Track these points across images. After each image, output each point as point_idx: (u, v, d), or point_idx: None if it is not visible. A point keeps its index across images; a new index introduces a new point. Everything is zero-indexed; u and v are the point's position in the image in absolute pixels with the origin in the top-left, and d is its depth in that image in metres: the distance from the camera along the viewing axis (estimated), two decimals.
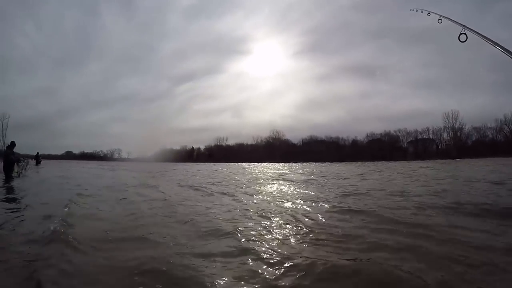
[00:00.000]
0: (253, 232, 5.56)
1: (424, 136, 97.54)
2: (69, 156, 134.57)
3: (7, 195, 10.69)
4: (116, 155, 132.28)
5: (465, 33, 5.10)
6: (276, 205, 8.82)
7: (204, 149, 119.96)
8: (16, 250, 4.37)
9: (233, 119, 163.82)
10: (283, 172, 28.66)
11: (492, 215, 6.53)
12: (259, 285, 3.36)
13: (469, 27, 5.14)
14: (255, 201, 9.63)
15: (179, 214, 7.49)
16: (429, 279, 3.33)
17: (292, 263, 3.90)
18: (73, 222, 6.14)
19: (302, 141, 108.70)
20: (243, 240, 5.02)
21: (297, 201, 9.35)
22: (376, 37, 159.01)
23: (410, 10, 8.83)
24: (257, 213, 7.56)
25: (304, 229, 5.82)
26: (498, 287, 3.23)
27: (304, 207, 8.37)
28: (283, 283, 3.39)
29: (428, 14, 7.30)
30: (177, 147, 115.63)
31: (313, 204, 8.84)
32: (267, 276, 3.56)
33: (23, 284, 3.24)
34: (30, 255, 4.10)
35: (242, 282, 3.43)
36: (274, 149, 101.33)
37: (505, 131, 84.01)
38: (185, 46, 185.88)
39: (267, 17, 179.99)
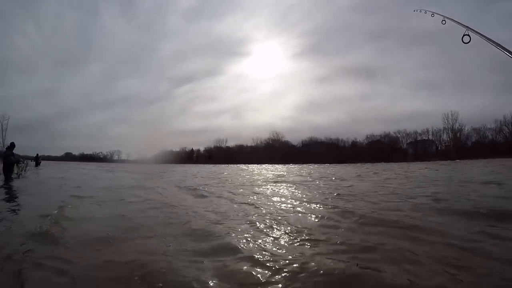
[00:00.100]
0: (245, 234, 5.65)
1: (424, 137, 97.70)
2: (68, 157, 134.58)
3: (5, 196, 10.83)
4: (115, 157, 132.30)
5: (468, 35, 5.12)
6: (270, 206, 8.88)
7: (203, 150, 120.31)
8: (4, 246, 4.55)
9: (232, 121, 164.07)
10: (280, 174, 28.78)
11: (483, 218, 6.53)
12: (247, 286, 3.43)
13: (473, 29, 5.17)
14: (250, 202, 9.63)
15: (172, 215, 7.57)
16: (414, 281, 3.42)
17: (280, 265, 3.97)
18: (64, 222, 6.30)
19: (302, 142, 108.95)
20: (233, 241, 5.10)
21: (290, 203, 9.44)
22: (376, 39, 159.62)
23: (414, 11, 8.90)
24: (251, 214, 7.63)
25: (294, 230, 5.91)
26: None
27: (297, 208, 8.46)
28: (273, 285, 3.45)
29: (432, 15, 7.33)
30: (176, 148, 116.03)
31: (306, 205, 8.95)
32: (255, 278, 3.62)
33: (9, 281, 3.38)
34: (17, 252, 4.26)
35: (230, 283, 3.48)
36: (274, 150, 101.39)
37: (504, 132, 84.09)
38: (185, 48, 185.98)
39: (267, 18, 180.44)
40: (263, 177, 24.35)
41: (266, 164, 77.22)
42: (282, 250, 4.64)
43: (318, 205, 8.73)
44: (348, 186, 14.73)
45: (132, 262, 4.02)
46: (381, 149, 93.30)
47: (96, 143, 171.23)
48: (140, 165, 63.36)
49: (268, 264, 3.98)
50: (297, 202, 9.47)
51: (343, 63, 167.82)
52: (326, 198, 10.32)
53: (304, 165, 64.79)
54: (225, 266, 3.98)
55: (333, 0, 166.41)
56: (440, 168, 33.28)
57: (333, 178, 21.11)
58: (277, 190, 13.84)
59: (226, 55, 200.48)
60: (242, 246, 4.78)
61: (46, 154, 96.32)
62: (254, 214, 7.60)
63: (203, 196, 11.68)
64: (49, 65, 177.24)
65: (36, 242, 4.76)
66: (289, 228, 6.07)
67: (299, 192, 12.72)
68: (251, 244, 4.92)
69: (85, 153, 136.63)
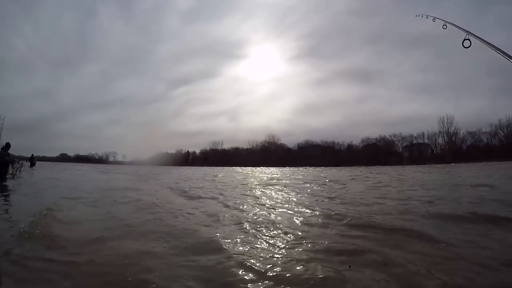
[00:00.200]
0: (231, 235, 5.75)
1: (419, 141, 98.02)
2: (64, 158, 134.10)
3: None
4: (111, 158, 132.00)
5: (469, 39, 5.19)
6: (258, 208, 9.01)
7: (199, 153, 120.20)
8: None
9: (229, 123, 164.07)
10: (274, 177, 28.84)
11: (469, 221, 6.58)
12: None
13: (473, 33, 5.23)
14: (238, 205, 9.76)
15: (160, 217, 7.63)
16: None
17: (262, 265, 4.07)
18: (51, 222, 6.38)
19: (298, 145, 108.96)
20: (219, 242, 5.18)
21: (278, 206, 9.55)
22: (373, 42, 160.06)
23: (416, 16, 8.99)
24: (238, 216, 7.72)
25: (279, 232, 6.01)
26: None
27: (284, 210, 8.59)
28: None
29: (434, 20, 7.43)
30: (172, 150, 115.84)
31: (293, 207, 9.04)
32: (238, 279, 3.70)
33: None
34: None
35: (213, 283, 3.57)
36: (270, 153, 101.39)
37: (499, 136, 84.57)
38: (182, 49, 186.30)
39: (264, 21, 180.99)
40: (256, 179, 24.41)
41: (262, 167, 77.13)
42: (266, 251, 4.70)
43: (305, 208, 8.79)
44: (340, 189, 14.85)
45: (115, 262, 4.10)
46: (377, 153, 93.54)
47: (91, 144, 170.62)
48: (136, 167, 63.22)
49: (251, 265, 4.05)
50: (286, 205, 9.56)
51: (340, 66, 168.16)
52: (316, 201, 10.44)
53: (300, 168, 64.58)
54: (210, 266, 4.06)
55: (331, 3, 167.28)
56: (435, 171, 33.43)
57: (327, 181, 21.19)
58: (268, 192, 13.92)
59: (223, 57, 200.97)
60: (227, 246, 4.86)
61: (41, 154, 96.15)
62: (241, 216, 7.67)
63: (193, 198, 11.76)
64: (47, 65, 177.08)
65: (17, 242, 4.85)
66: (274, 231, 6.14)
67: (289, 194, 12.81)
68: (236, 246, 4.99)
69: (81, 154, 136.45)
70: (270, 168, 70.89)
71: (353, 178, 24.15)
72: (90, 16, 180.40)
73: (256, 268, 3.97)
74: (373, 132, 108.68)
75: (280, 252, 4.69)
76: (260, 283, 3.55)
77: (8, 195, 11.22)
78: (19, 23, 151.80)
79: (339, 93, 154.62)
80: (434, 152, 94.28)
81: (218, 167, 77.34)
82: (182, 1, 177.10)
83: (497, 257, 4.19)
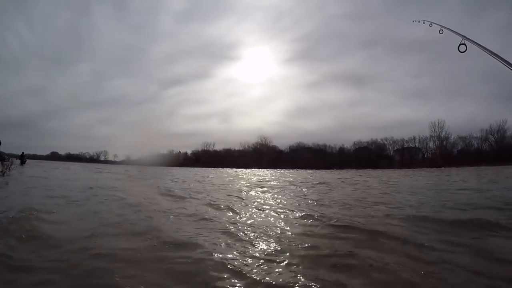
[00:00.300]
0: (212, 236, 5.85)
1: (411, 145, 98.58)
2: (54, 157, 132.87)
3: None
4: (102, 158, 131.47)
5: (464, 44, 5.22)
6: (242, 209, 9.08)
7: (191, 153, 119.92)
8: None
9: (221, 125, 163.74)
10: (264, 179, 28.89)
11: (452, 225, 6.60)
12: None
13: (469, 38, 5.28)
14: (223, 205, 9.77)
15: (140, 217, 7.63)
16: None
17: (239, 267, 4.10)
18: (32, 221, 6.38)
19: (290, 148, 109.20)
20: (198, 242, 5.26)
21: (263, 207, 9.65)
22: (367, 46, 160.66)
23: (413, 21, 9.14)
24: (221, 217, 7.83)
25: (259, 233, 6.04)
26: None
27: (267, 211, 8.68)
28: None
29: (430, 25, 7.52)
30: (164, 151, 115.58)
31: (277, 209, 9.13)
32: (214, 277, 3.76)
33: None
34: None
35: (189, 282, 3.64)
36: (261, 155, 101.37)
37: (490, 141, 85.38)
38: (175, 50, 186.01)
39: (258, 23, 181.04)
40: (245, 181, 24.48)
41: (253, 169, 77.20)
42: (244, 251, 4.78)
43: (287, 210, 8.88)
44: (325, 192, 15.00)
45: (86, 261, 4.20)
46: (368, 156, 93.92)
47: (82, 143, 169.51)
48: (126, 167, 63.08)
49: (229, 265, 4.12)
50: (270, 206, 9.68)
51: (333, 69, 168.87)
52: (299, 203, 10.58)
53: (291, 171, 64.99)
54: (187, 265, 4.15)
55: (326, 7, 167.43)
56: (424, 175, 33.71)
57: (315, 183, 21.38)
58: (254, 193, 14.04)
59: (216, 58, 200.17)
60: (208, 248, 4.90)
61: (31, 152, 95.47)
62: (224, 217, 7.73)
63: (180, 198, 11.78)
64: (39, 63, 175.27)
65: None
66: (253, 232, 6.17)
67: (274, 196, 12.95)
68: (216, 246, 5.05)
69: (72, 153, 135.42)
70: (261, 170, 71.08)
71: (342, 181, 24.27)
72: (84, 15, 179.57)
73: (232, 268, 4.02)
74: (365, 136, 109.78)
75: (257, 254, 4.69)
76: (236, 283, 3.58)
77: None
78: (13, 20, 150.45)
79: (331, 96, 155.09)
80: (425, 156, 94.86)
81: (210, 168, 77.50)
82: (177, 2, 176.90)
83: (478, 262, 4.25)
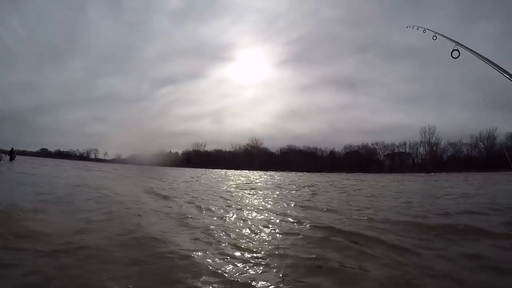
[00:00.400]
0: (191, 235, 6.13)
1: (401, 150, 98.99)
2: (44, 153, 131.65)
3: None
4: (92, 155, 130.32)
5: (457, 50, 5.21)
6: (224, 211, 9.33)
7: (182, 153, 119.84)
8: None
9: (212, 125, 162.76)
10: (251, 181, 29.08)
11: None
12: None
13: (462, 44, 5.28)
14: (205, 205, 9.94)
15: (120, 215, 7.84)
16: None
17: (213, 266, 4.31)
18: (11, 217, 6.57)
19: (281, 150, 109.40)
20: (175, 242, 5.48)
21: (244, 209, 9.87)
22: (361, 51, 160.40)
23: (407, 27, 9.31)
24: (201, 217, 8.13)
25: (238, 234, 6.30)
26: None
27: (250, 212, 8.93)
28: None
29: (424, 31, 7.56)
30: (154, 150, 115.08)
31: (261, 210, 9.39)
32: (180, 274, 3.94)
33: None
34: None
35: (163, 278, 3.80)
36: (252, 157, 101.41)
37: (479, 148, 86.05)
38: (170, 49, 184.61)
39: (253, 24, 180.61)
40: (233, 182, 24.74)
41: (244, 171, 77.30)
42: (221, 250, 4.97)
43: (269, 212, 9.11)
44: (312, 194, 15.18)
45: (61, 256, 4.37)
46: (359, 160, 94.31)
47: (73, 140, 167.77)
48: (116, 165, 63.08)
49: (202, 264, 4.30)
50: (252, 208, 9.93)
51: (326, 73, 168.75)
52: (282, 206, 10.78)
53: (282, 173, 65.28)
54: (157, 262, 4.31)
55: (320, 10, 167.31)
56: (414, 180, 34.05)
57: (302, 186, 21.51)
58: (240, 194, 14.28)
59: (210, 59, 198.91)
60: (181, 244, 5.15)
61: (21, 148, 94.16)
62: (205, 218, 7.99)
63: (165, 198, 11.90)
64: (31, 58, 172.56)
65: None
66: (233, 232, 6.37)
67: (259, 198, 13.17)
68: (196, 246, 5.26)
69: (62, 150, 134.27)
70: (251, 172, 71.23)
71: (330, 184, 24.60)
72: (79, 11, 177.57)
73: (206, 267, 4.16)
74: (356, 140, 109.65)
75: (231, 253, 4.83)
76: (208, 281, 3.72)
77: None
78: (7, 14, 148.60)
79: (324, 100, 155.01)
80: (415, 161, 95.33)
81: (200, 169, 77.67)
82: (172, 1, 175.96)
83: (456, 268, 4.34)
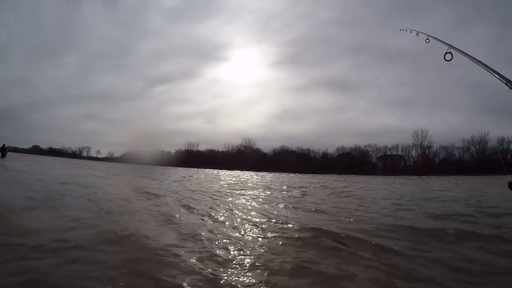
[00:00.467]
0: (170, 233, 6.18)
1: (394, 153, 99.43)
2: (36, 150, 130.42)
3: None
4: (84, 153, 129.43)
5: (450, 52, 5.30)
6: (210, 210, 9.37)
7: (174, 153, 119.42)
8: None
9: (205, 125, 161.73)
10: (243, 181, 29.18)
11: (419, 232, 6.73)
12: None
13: (455, 47, 5.37)
14: (195, 206, 10.00)
15: (108, 213, 7.87)
16: None
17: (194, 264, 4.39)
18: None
19: (273, 151, 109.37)
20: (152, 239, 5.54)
21: (232, 210, 9.91)
22: (355, 53, 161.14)
23: (400, 30, 9.45)
24: (185, 215, 8.20)
25: (221, 233, 6.39)
26: None
27: (236, 212, 8.95)
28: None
29: (417, 34, 7.61)
30: (147, 149, 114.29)
31: (246, 212, 9.46)
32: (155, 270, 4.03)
33: None
34: None
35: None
36: (245, 157, 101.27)
37: (471, 151, 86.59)
38: (164, 48, 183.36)
39: (248, 25, 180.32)
40: (225, 182, 24.88)
41: (236, 171, 77.23)
42: (201, 248, 5.05)
43: (258, 213, 9.17)
44: (301, 196, 15.34)
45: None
46: (351, 162, 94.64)
47: (65, 138, 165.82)
48: (108, 164, 63.03)
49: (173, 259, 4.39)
50: (239, 208, 10.01)
51: (320, 74, 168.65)
52: (271, 205, 10.95)
53: (275, 174, 65.39)
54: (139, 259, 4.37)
55: (316, 12, 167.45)
56: (405, 182, 34.33)
57: (293, 186, 21.65)
58: (230, 194, 14.31)
59: (204, 58, 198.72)
60: (166, 244, 5.19)
61: (13, 145, 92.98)
62: (191, 217, 8.09)
63: (155, 197, 11.92)
64: (24, 53, 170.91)
65: None
66: (216, 233, 6.45)
67: (247, 199, 13.25)
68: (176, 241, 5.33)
69: (54, 147, 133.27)
70: (244, 172, 71.25)
71: (321, 185, 24.75)
72: (74, 7, 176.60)
73: (190, 266, 4.20)
74: (349, 142, 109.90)
75: (219, 252, 4.87)
76: (192, 280, 3.74)
77: None
78: (1, 10, 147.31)
79: (317, 101, 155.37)
80: (407, 164, 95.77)
81: (192, 169, 77.57)
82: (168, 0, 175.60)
83: (441, 271, 4.38)
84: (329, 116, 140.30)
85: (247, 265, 4.39)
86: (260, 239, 5.99)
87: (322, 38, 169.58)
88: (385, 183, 32.21)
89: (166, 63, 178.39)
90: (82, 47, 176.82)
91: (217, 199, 11.93)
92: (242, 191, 16.57)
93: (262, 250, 5.14)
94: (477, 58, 4.72)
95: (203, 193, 14.10)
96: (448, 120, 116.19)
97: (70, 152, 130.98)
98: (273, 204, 11.01)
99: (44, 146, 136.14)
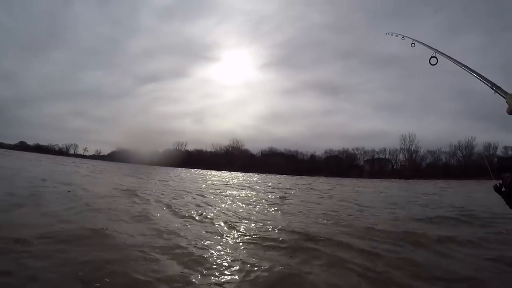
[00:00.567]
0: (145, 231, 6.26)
1: (381, 156, 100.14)
2: (22, 146, 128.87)
3: None
4: (71, 151, 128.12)
5: (435, 56, 5.15)
6: (192, 209, 9.50)
7: (162, 152, 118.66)
8: None
9: (194, 125, 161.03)
10: (229, 181, 29.42)
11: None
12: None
13: (440, 51, 5.23)
14: (170, 203, 10.16)
15: (87, 211, 7.93)
16: None
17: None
18: None
19: (262, 152, 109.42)
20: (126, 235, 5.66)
21: (213, 210, 10.17)
22: (345, 57, 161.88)
23: (386, 34, 9.34)
24: (160, 212, 8.32)
25: (197, 233, 6.56)
26: None
27: (215, 212, 9.14)
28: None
29: (403, 38, 7.53)
30: (135, 148, 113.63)
31: (226, 211, 9.61)
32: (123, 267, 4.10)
33: None
34: None
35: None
36: (233, 158, 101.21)
37: (458, 156, 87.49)
38: (154, 46, 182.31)
39: (239, 26, 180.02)
40: (210, 182, 25.17)
41: (224, 171, 77.20)
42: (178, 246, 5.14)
43: (239, 213, 9.44)
44: (285, 197, 15.56)
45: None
46: (339, 165, 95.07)
47: (52, 134, 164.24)
48: (94, 162, 62.72)
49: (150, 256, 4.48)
50: (224, 209, 10.20)
51: (309, 77, 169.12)
52: (254, 207, 11.09)
53: (262, 175, 65.67)
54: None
55: (307, 16, 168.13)
56: (391, 186, 34.64)
57: (279, 187, 21.76)
58: (213, 194, 14.43)
59: (194, 58, 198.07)
60: (144, 244, 5.31)
61: None
62: (171, 216, 8.23)
63: (137, 196, 11.83)
64: (13, 48, 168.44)
65: None
66: (195, 232, 6.65)
67: (233, 199, 13.49)
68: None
69: (41, 144, 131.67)
70: (232, 172, 71.33)
71: (307, 187, 24.87)
72: (65, 2, 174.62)
73: (166, 266, 4.29)
74: (337, 145, 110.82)
75: (197, 252, 4.93)
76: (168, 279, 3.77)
77: None
78: None
79: (306, 104, 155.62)
80: (395, 167, 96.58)
81: (180, 168, 77.49)
82: None
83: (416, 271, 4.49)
84: (317, 119, 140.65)
85: (224, 265, 4.42)
86: (236, 239, 6.02)
87: (312, 42, 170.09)
88: (371, 186, 32.44)
89: (156, 61, 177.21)
90: (72, 43, 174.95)
91: (201, 199, 12.06)
92: (227, 192, 16.68)
93: (236, 250, 5.19)
94: (462, 63, 4.69)
95: (187, 193, 14.20)
96: (435, 125, 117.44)
97: (57, 149, 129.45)
98: (256, 205, 11.03)
99: (31, 142, 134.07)
